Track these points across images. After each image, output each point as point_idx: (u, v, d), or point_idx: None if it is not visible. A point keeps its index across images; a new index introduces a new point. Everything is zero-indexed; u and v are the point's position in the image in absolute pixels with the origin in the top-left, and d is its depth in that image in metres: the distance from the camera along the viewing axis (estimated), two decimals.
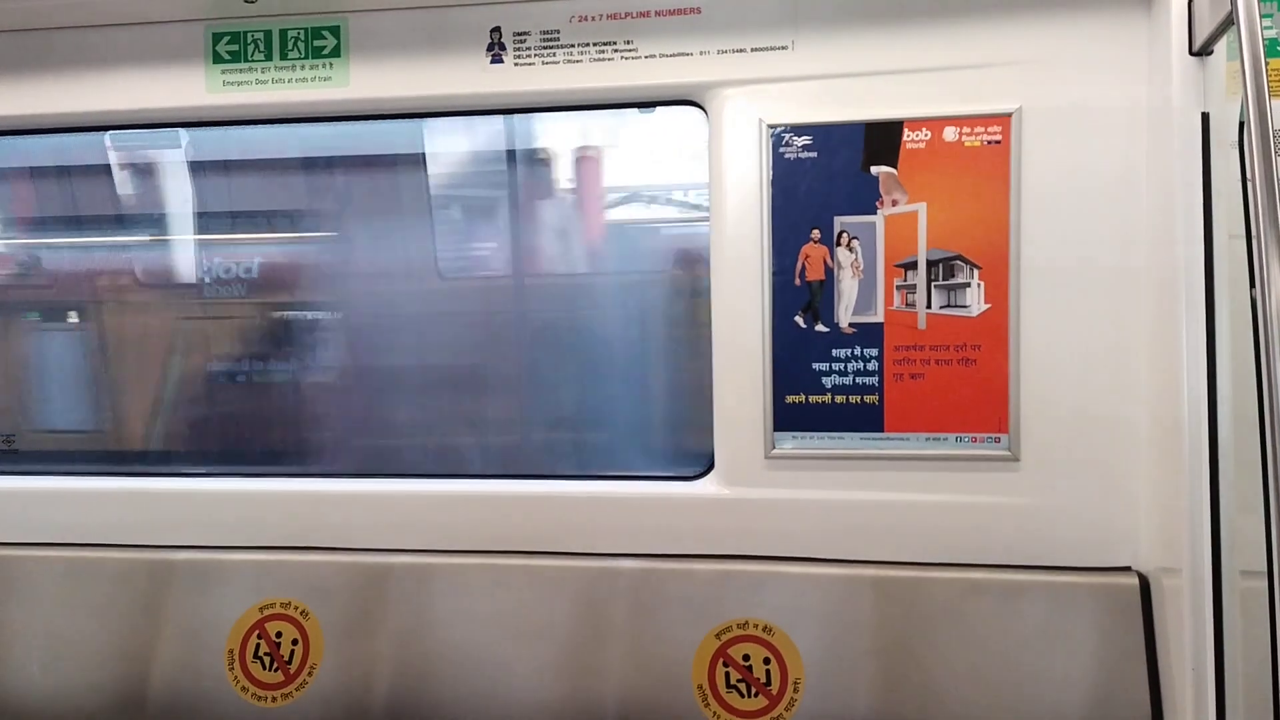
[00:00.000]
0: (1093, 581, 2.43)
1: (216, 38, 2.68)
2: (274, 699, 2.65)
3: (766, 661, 2.49)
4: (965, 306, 2.46)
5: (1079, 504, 2.46)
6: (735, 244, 2.53)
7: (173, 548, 2.80)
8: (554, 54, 2.56)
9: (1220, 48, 2.14)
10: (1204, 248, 2.16)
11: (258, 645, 2.68)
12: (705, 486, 2.62)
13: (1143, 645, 2.37)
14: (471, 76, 2.60)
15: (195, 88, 2.70)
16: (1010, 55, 2.41)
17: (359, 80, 2.64)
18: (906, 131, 2.45)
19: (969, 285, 2.46)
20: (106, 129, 2.91)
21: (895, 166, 2.46)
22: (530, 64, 2.57)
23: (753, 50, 2.50)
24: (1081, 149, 2.39)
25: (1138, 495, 2.43)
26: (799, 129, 2.49)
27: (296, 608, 2.69)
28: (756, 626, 2.51)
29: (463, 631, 2.61)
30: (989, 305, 2.45)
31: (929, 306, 2.47)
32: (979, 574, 2.48)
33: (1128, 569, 2.44)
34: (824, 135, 2.49)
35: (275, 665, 2.67)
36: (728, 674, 2.50)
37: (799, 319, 2.52)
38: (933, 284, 2.47)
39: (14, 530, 2.88)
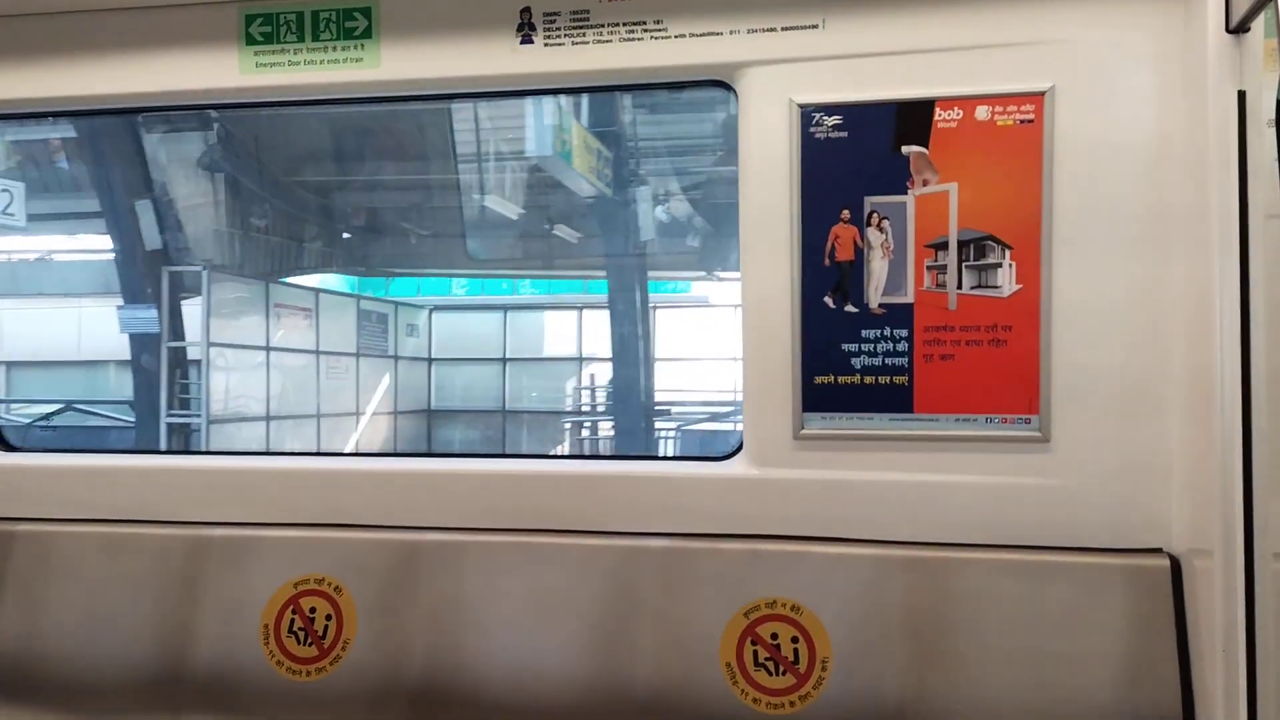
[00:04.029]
0: (1123, 563, 2.42)
1: (250, 19, 2.69)
2: (308, 673, 2.69)
3: (795, 640, 2.50)
4: (996, 287, 2.45)
5: (1110, 485, 2.45)
6: (764, 225, 2.53)
7: (210, 524, 2.83)
8: (584, 34, 2.56)
9: (1257, 25, 2.12)
10: (1239, 227, 2.15)
11: (292, 620, 2.72)
12: (734, 466, 2.63)
13: (1173, 627, 2.36)
14: (501, 57, 2.60)
15: (229, 69, 2.71)
16: (1043, 33, 2.39)
17: (389, 61, 2.65)
18: (938, 111, 2.44)
19: (1000, 266, 2.44)
20: (141, 111, 2.94)
21: (926, 146, 2.45)
22: (560, 44, 2.57)
23: (783, 29, 2.49)
24: (1115, 128, 2.37)
25: (1170, 477, 2.41)
26: (829, 108, 2.48)
27: (330, 584, 2.72)
28: (785, 605, 2.52)
29: (493, 608, 2.64)
30: (1020, 286, 2.43)
31: (960, 287, 2.46)
32: (1008, 555, 2.47)
33: (1159, 550, 2.43)
34: (854, 114, 2.48)
35: (309, 640, 2.70)
36: (756, 652, 2.51)
37: (828, 300, 2.52)
38: (964, 264, 2.46)
39: (55, 506, 2.92)
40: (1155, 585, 2.39)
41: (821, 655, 2.49)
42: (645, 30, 2.53)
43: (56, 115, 2.97)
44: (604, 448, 19.03)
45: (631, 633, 2.57)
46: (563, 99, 12.88)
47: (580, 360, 20.58)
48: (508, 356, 20.76)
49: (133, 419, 16.34)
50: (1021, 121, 2.41)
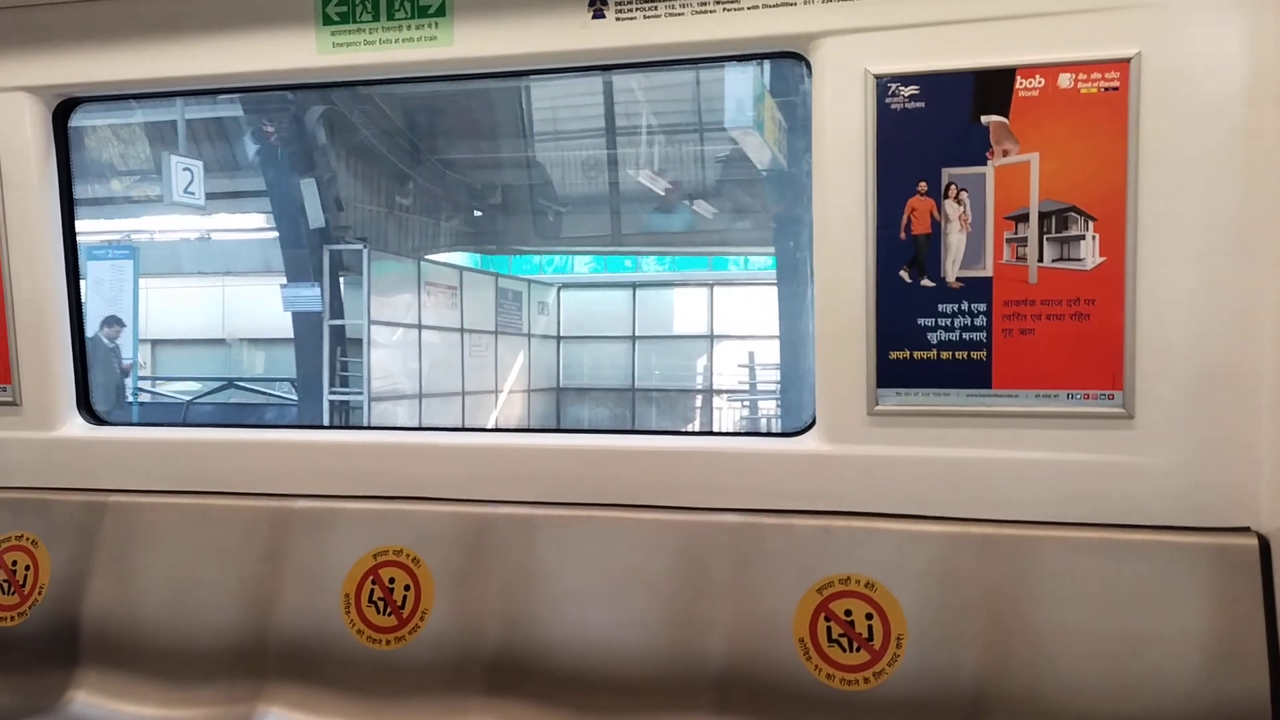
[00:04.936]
0: (1209, 542, 2.34)
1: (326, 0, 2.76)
2: (388, 642, 2.76)
3: (869, 617, 2.48)
4: (1079, 260, 2.38)
5: (1196, 462, 2.36)
6: (838, 198, 2.49)
7: (292, 496, 2.91)
8: (655, 8, 2.55)
9: None
10: None
11: (372, 590, 2.79)
12: (807, 443, 2.61)
13: (1261, 608, 2.28)
14: (573, 33, 2.60)
15: (306, 49, 2.76)
16: None
17: (463, 39, 2.67)
18: (1019, 79, 2.37)
19: (1083, 238, 2.37)
20: (222, 92, 3.05)
21: (1007, 115, 2.38)
22: (632, 18, 2.57)
23: None
24: (1206, 96, 2.27)
25: (1259, 453, 2.32)
26: (906, 78, 2.43)
27: (408, 555, 2.79)
28: (859, 582, 2.50)
29: (567, 581, 2.67)
30: (1104, 258, 2.36)
31: (1041, 260, 2.40)
32: (1090, 533, 2.41)
33: (1246, 529, 2.34)
34: (932, 84, 2.42)
35: (389, 610, 2.77)
36: (829, 628, 2.50)
37: (904, 274, 2.48)
38: (1045, 236, 2.39)
39: (145, 479, 3.03)
40: (1242, 565, 2.30)
41: (896, 632, 2.46)
42: (718, 2, 2.52)
43: (138, 97, 3.10)
44: (767, 428, 18.84)
45: (704, 608, 2.58)
46: (750, 66, 12.83)
47: (712, 338, 20.53)
48: (637, 334, 20.87)
49: (285, 396, 16.97)
50: (1106, 89, 2.33)
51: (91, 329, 14.42)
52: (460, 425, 17.17)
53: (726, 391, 20.19)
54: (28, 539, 3.05)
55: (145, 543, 2.97)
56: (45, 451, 3.10)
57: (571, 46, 2.62)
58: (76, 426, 3.13)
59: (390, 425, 14.42)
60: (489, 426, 18.07)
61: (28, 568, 3.03)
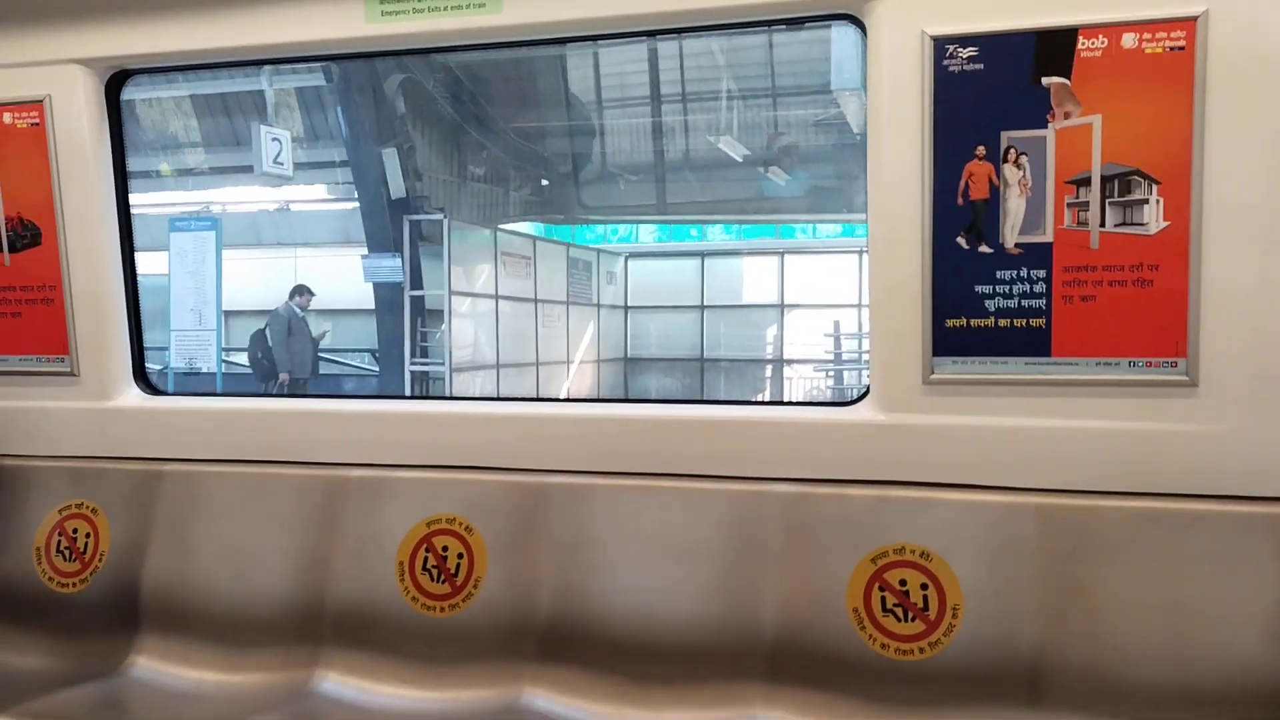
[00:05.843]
0: (1274, 512, 2.29)
1: None
2: (442, 609, 2.79)
3: (924, 587, 2.46)
4: (1142, 224, 2.32)
5: (1261, 430, 2.30)
6: (893, 163, 2.45)
7: (347, 465, 2.94)
8: None
9: None
10: None
11: (426, 558, 2.82)
12: (861, 411, 2.59)
13: None
14: None
15: (355, 19, 2.75)
16: None
17: (512, 7, 2.65)
18: (1081, 39, 2.31)
19: (1146, 202, 2.31)
20: (267, 63, 3.06)
21: (1068, 77, 2.33)
22: None
23: None
24: (1274, 55, 2.20)
25: None
26: (964, 40, 2.38)
27: (461, 524, 2.81)
28: (914, 552, 2.48)
29: (619, 550, 2.68)
30: (1168, 223, 2.30)
31: (1103, 225, 2.34)
32: (1151, 503, 2.37)
33: None
34: (991, 45, 2.37)
35: (443, 578, 2.80)
36: (884, 598, 2.49)
37: (961, 240, 2.43)
38: (1107, 201, 2.34)
39: (203, 448, 3.08)
40: None
41: (952, 602, 2.44)
42: None
43: (190, 69, 3.12)
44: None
45: (757, 577, 2.58)
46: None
47: (782, 307, 20.30)
48: (706, 304, 20.68)
49: (365, 367, 17.11)
50: (1171, 49, 2.26)
51: (185, 299, 14.62)
52: (525, 396, 17.22)
53: (799, 361, 19.97)
54: (88, 507, 3.12)
55: (202, 511, 3.02)
56: (103, 421, 3.16)
57: (622, 12, 2.59)
58: (133, 396, 3.18)
59: (447, 396, 14.44)
60: (557, 397, 18.11)
61: (88, 535, 3.09)
